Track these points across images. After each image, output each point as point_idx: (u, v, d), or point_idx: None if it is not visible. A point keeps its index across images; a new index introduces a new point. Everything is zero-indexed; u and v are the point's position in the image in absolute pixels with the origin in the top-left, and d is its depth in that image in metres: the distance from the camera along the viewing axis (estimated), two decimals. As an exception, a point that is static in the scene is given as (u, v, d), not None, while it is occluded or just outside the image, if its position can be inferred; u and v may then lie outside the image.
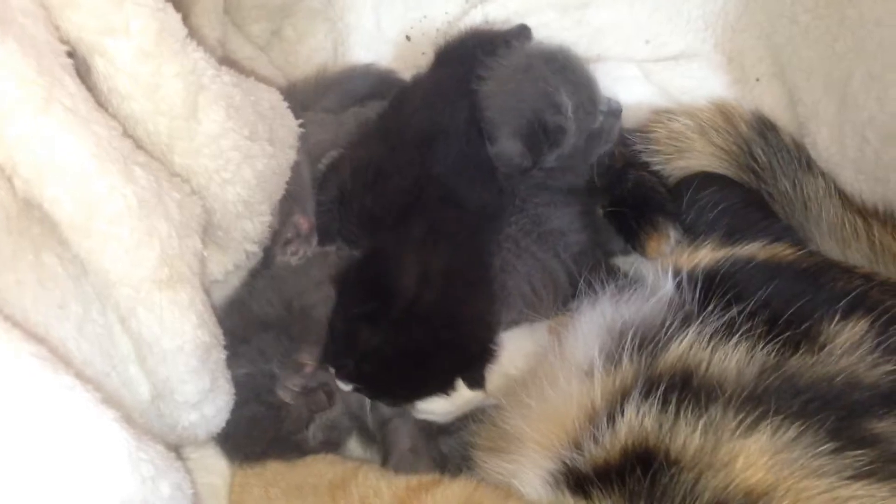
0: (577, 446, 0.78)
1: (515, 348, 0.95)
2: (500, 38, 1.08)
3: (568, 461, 0.78)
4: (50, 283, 0.64)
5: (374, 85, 1.14)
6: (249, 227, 0.82)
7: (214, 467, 0.87)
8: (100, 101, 0.67)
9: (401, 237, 0.92)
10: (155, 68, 0.68)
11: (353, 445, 0.98)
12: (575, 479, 0.77)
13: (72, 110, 0.61)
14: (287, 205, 0.90)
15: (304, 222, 0.91)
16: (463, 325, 0.91)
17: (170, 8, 0.69)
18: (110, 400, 0.63)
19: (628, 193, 1.04)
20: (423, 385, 0.91)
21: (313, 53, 1.21)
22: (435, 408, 0.94)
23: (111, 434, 0.59)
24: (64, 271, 0.65)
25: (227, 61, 0.95)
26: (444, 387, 0.91)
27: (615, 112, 1.03)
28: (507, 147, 0.97)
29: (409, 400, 0.92)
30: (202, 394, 0.78)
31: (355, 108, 1.08)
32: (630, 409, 0.76)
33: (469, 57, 1.05)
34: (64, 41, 0.64)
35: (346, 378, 0.88)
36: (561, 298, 0.99)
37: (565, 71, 0.99)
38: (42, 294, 0.63)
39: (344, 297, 0.91)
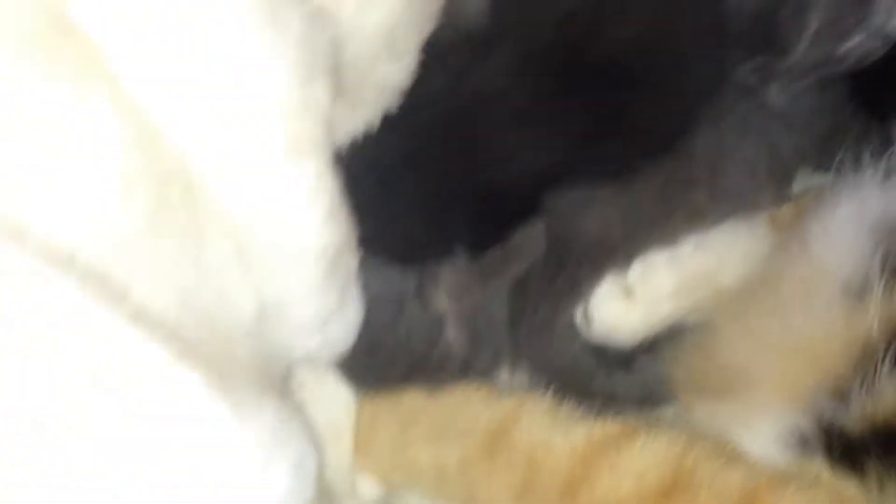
0: (841, 396, 0.54)
1: (725, 249, 0.71)
2: None
3: (827, 415, 0.55)
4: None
5: None
6: (391, 74, 0.59)
7: (336, 399, 0.67)
8: None
9: None
10: None
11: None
12: (838, 443, 0.54)
13: None
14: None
15: None
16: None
17: None
18: (200, 330, 0.45)
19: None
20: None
21: None
22: (615, 320, 0.71)
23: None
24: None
25: None
26: None
27: None
28: None
29: None
30: (327, 315, 0.58)
31: None
32: (928, 345, 0.52)
33: None
34: None
35: None
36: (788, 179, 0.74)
37: None
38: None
39: None
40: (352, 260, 0.58)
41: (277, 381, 0.61)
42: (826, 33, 0.69)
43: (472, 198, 0.68)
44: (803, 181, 0.76)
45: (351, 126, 0.60)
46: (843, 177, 0.66)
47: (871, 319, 0.54)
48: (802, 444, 0.56)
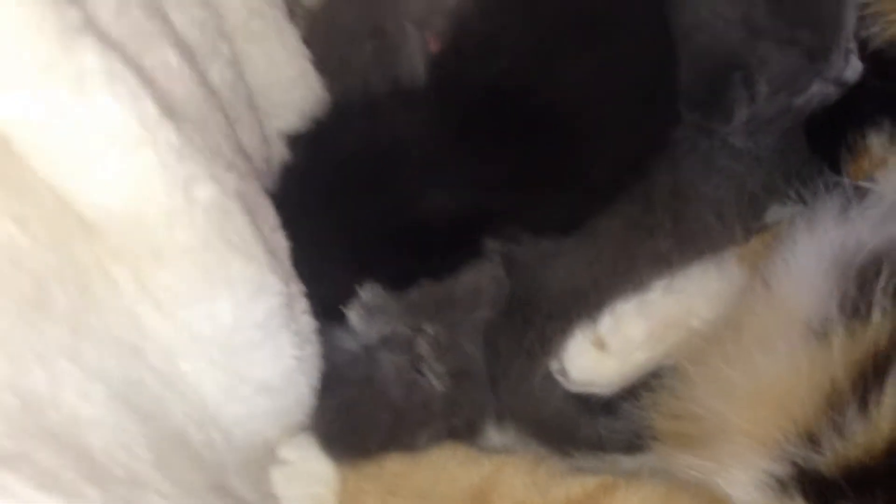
0: (813, 441, 0.54)
1: (695, 291, 0.71)
2: None
3: (800, 461, 0.54)
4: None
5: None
6: None
7: (318, 474, 0.67)
8: None
9: None
10: None
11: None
12: (813, 487, 0.54)
13: None
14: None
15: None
16: None
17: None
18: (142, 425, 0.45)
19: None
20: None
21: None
22: (590, 373, 0.71)
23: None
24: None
25: None
26: None
27: None
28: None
29: None
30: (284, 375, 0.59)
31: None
32: (893, 385, 0.52)
33: None
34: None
35: None
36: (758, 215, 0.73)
37: None
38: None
39: None
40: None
41: (254, 460, 0.62)
42: (782, 91, 0.69)
43: (387, 234, 0.68)
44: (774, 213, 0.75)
45: None
46: (803, 212, 0.66)
47: (835, 362, 0.54)
48: (781, 489, 0.56)
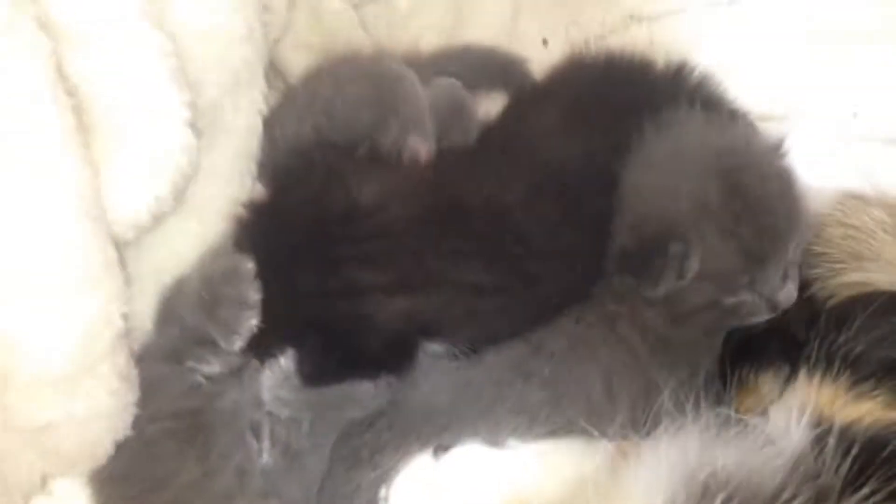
0: None
1: (551, 467, 0.66)
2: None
3: None
4: None
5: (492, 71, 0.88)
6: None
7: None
8: None
9: None
10: None
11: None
12: None
13: None
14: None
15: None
16: None
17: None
18: None
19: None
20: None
21: (424, 31, 0.96)
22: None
23: None
24: None
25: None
26: None
27: None
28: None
29: None
30: (65, 363, 0.55)
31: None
32: None
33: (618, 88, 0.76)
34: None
35: None
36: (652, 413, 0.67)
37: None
38: None
39: None
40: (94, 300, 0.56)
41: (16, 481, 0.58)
42: (711, 280, 0.66)
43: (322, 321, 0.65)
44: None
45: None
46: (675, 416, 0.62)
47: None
48: None
